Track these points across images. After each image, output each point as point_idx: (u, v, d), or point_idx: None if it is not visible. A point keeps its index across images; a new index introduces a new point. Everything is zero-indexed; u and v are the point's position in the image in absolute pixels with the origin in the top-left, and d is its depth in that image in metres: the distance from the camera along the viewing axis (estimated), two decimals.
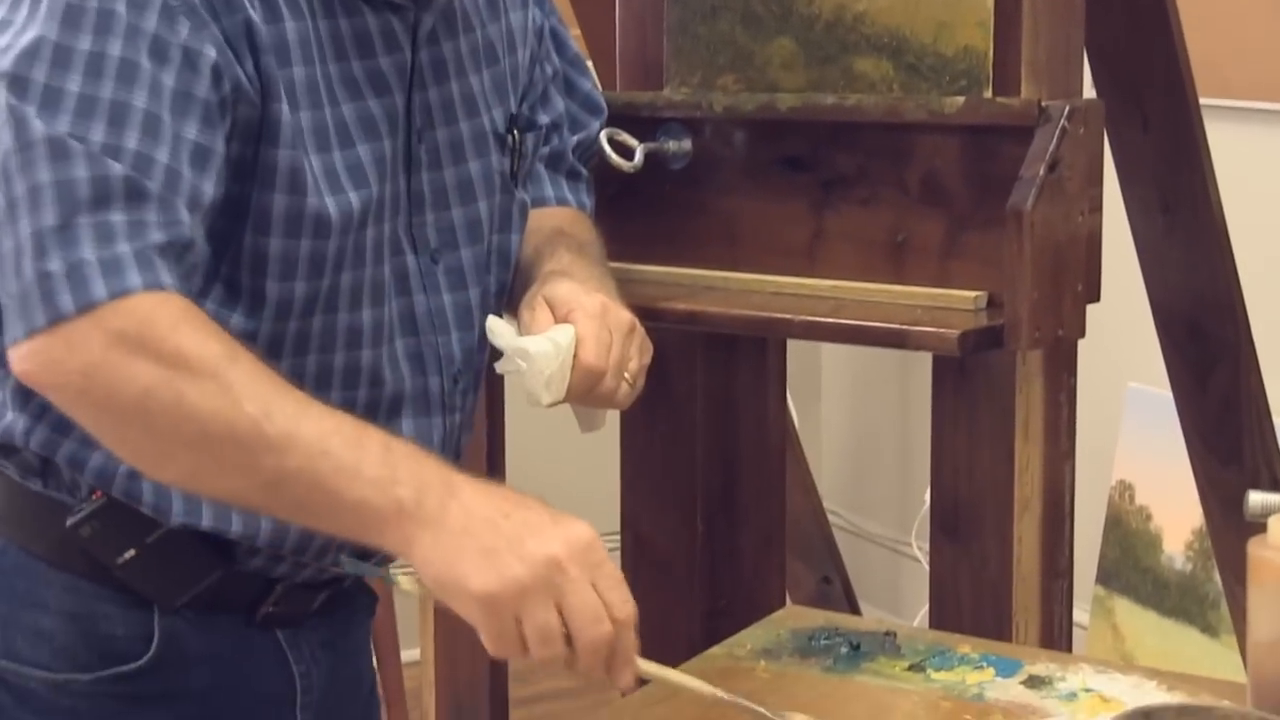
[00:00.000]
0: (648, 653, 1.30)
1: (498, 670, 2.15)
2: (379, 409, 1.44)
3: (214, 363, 1.24)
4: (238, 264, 1.36)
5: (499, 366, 1.49)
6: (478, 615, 1.24)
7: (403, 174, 1.44)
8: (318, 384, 1.41)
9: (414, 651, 2.14)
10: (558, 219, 1.63)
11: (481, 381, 1.57)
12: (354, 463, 1.24)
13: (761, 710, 1.31)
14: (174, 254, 1.27)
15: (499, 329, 1.47)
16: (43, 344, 1.23)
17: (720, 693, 1.32)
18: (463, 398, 1.51)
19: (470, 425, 1.55)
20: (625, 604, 1.26)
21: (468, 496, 1.25)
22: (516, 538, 1.23)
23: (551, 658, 1.25)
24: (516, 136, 1.54)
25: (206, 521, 1.37)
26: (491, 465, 2.09)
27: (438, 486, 1.25)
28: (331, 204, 1.36)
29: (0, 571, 1.42)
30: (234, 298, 1.37)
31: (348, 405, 1.41)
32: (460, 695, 2.15)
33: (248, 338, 1.36)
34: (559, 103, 1.69)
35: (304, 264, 1.37)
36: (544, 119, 1.66)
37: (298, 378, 1.39)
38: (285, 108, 1.34)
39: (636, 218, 1.93)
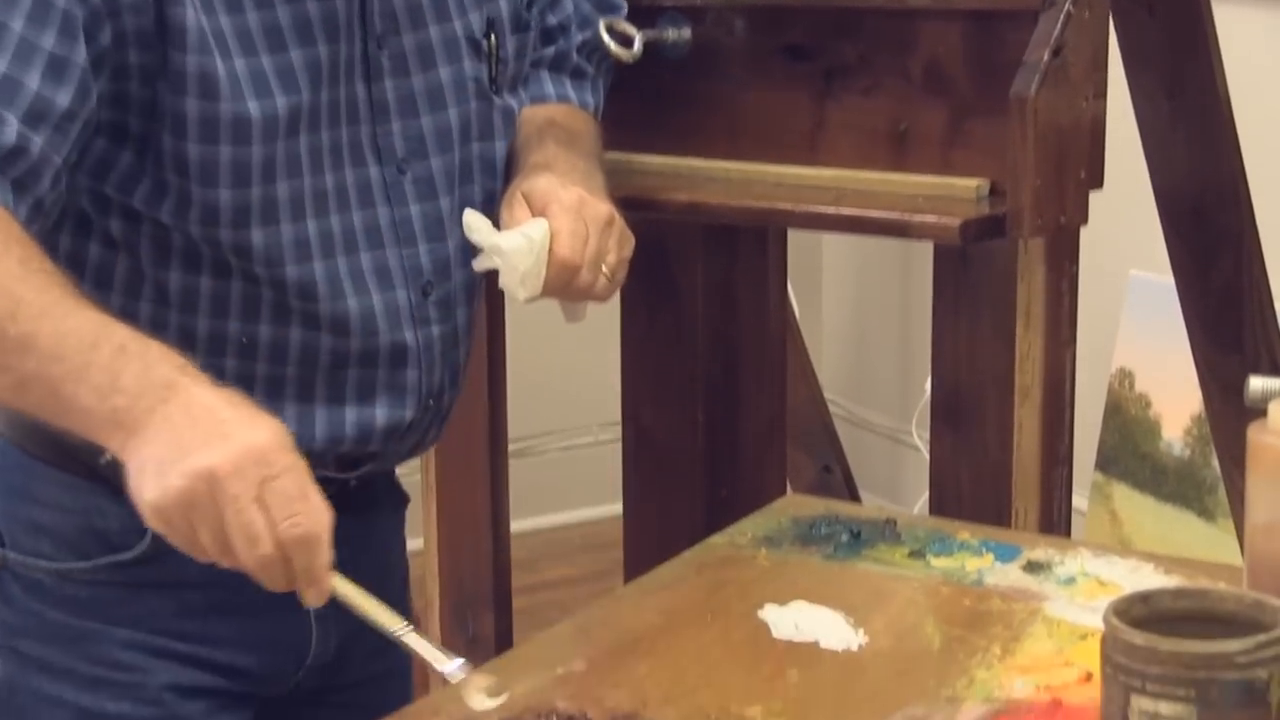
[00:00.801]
0: (652, 542, 1.30)
1: (501, 558, 2.16)
2: (346, 324, 1.42)
3: None
4: (161, 165, 1.35)
5: (476, 264, 1.47)
6: (155, 525, 1.21)
7: (361, 81, 1.42)
8: (275, 301, 1.40)
9: (417, 540, 2.16)
10: (551, 111, 1.62)
11: (476, 293, 1.55)
12: (81, 367, 1.21)
13: (437, 653, 1.25)
14: None
15: (476, 224, 1.46)
16: None
17: (400, 630, 1.26)
18: (439, 310, 1.48)
19: (465, 337, 1.54)
20: (291, 521, 1.19)
21: (177, 405, 1.20)
22: (186, 449, 1.19)
23: (237, 567, 1.21)
24: (494, 41, 1.51)
25: None
26: (492, 360, 2.09)
27: (155, 392, 1.21)
28: (255, 108, 1.34)
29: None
30: (160, 198, 1.36)
31: (310, 319, 1.41)
32: (464, 583, 2.17)
33: (182, 240, 1.36)
34: (569, 4, 1.67)
35: (226, 171, 1.35)
36: (552, 20, 1.64)
37: (251, 290, 1.39)
38: (190, 12, 1.32)
39: (636, 108, 1.92)
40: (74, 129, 1.30)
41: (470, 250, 1.48)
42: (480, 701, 1.22)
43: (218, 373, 1.28)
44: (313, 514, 1.20)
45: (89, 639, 1.42)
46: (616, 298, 2.21)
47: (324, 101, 1.39)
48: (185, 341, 1.36)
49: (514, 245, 1.44)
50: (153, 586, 1.43)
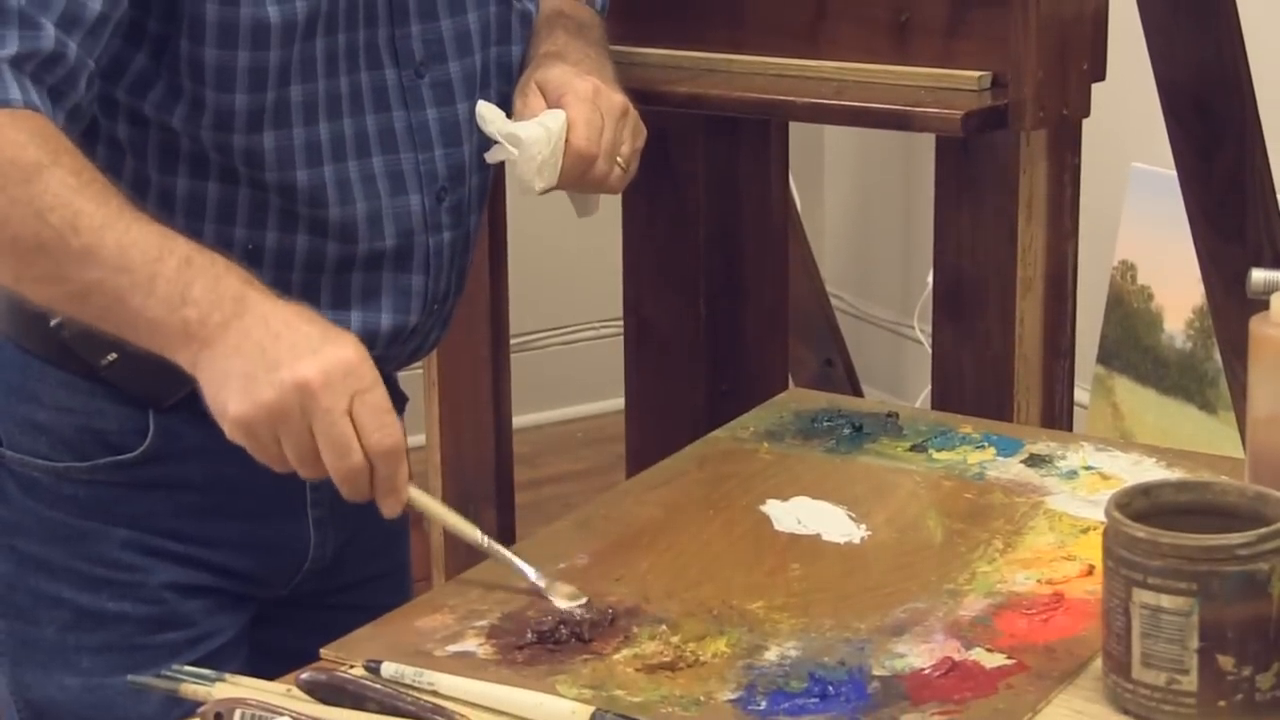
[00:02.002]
0: (653, 436, 1.30)
1: (503, 454, 2.17)
2: (354, 229, 1.42)
3: (25, 170, 1.22)
4: (176, 70, 1.34)
5: (489, 156, 1.47)
6: (238, 437, 1.23)
7: None
8: (282, 207, 1.39)
9: (419, 436, 2.16)
10: (558, 3, 1.60)
11: (486, 198, 1.54)
12: (148, 278, 1.23)
13: (522, 566, 1.28)
14: (32, 67, 1.25)
15: (489, 114, 1.45)
16: None
17: (482, 538, 1.30)
18: (451, 215, 1.47)
19: (473, 242, 1.53)
20: (382, 433, 1.23)
21: (253, 317, 1.23)
22: (275, 362, 1.21)
23: (315, 475, 1.24)
24: None
25: None
26: (494, 255, 2.09)
27: (227, 305, 1.23)
28: (274, 12, 1.33)
29: None
30: (173, 102, 1.35)
31: (317, 225, 1.40)
32: (466, 479, 2.18)
33: (190, 145, 1.35)
34: None
35: (243, 75, 1.34)
36: None
37: (258, 196, 1.38)
38: None
39: (637, 1, 1.90)
40: (105, 32, 1.29)
41: (483, 143, 1.47)
42: (563, 603, 1.26)
43: None
44: (396, 426, 1.24)
45: (88, 538, 1.43)
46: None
47: (342, 4, 1.38)
48: None
49: (532, 135, 1.43)
50: (151, 487, 1.43)
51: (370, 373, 1.23)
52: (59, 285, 1.25)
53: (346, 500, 1.26)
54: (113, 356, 1.39)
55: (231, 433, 1.24)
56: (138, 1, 1.32)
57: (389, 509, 1.27)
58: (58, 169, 1.23)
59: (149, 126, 1.37)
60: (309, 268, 1.42)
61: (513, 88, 1.50)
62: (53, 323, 1.38)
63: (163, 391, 1.40)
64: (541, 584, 1.28)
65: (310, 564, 1.49)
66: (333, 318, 1.41)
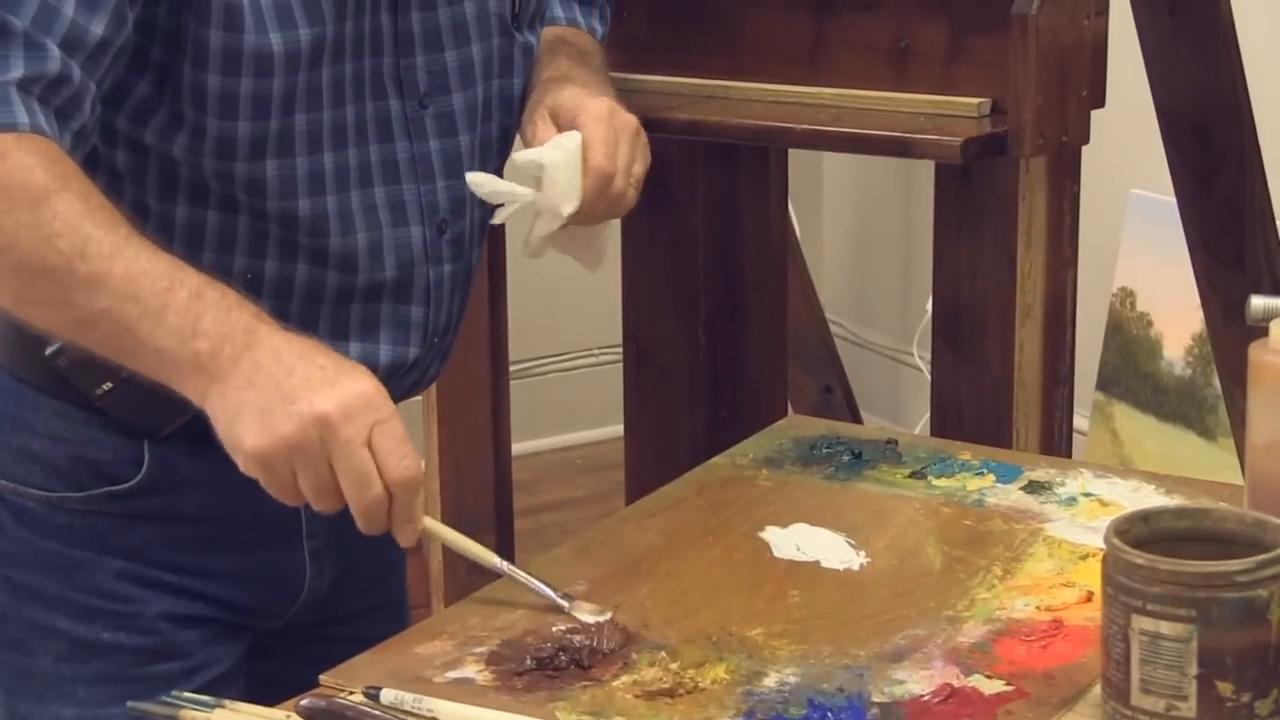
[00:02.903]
0: (653, 463, 1.30)
1: (502, 480, 2.17)
2: (355, 259, 1.41)
3: (35, 194, 1.21)
4: (179, 97, 1.34)
5: (499, 216, 1.44)
6: (254, 471, 1.22)
7: (387, 12, 1.40)
8: (282, 236, 1.39)
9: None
10: (560, 31, 1.60)
11: (485, 233, 1.53)
12: (159, 308, 1.22)
13: (541, 587, 1.29)
14: (39, 89, 1.24)
15: (481, 180, 1.42)
16: None
17: (502, 564, 1.31)
18: (453, 248, 1.47)
19: (474, 276, 1.52)
20: (402, 465, 1.22)
21: (264, 350, 1.22)
22: (292, 394, 1.21)
23: (330, 510, 1.23)
24: None
25: None
26: (493, 281, 2.09)
27: (238, 338, 1.22)
28: (277, 40, 1.33)
29: None
30: (174, 130, 1.35)
31: (318, 255, 1.40)
32: (466, 505, 2.18)
33: (190, 174, 1.35)
34: None
35: (246, 103, 1.34)
36: None
37: (258, 225, 1.38)
38: None
39: (637, 27, 1.91)
40: (108, 57, 1.29)
41: (483, 207, 1.46)
42: (588, 618, 1.27)
43: None
44: (416, 457, 1.24)
45: (83, 568, 1.42)
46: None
47: (348, 33, 1.37)
48: None
49: (554, 159, 1.42)
50: (147, 518, 1.42)
51: (388, 404, 1.23)
52: (63, 311, 1.25)
53: (361, 532, 1.25)
54: (108, 386, 1.38)
55: (247, 466, 1.23)
56: (141, 28, 1.32)
57: (406, 538, 1.27)
58: (66, 194, 1.23)
59: (149, 154, 1.37)
60: (308, 298, 1.41)
61: (514, 120, 1.50)
62: (48, 351, 1.37)
63: (158, 421, 1.39)
64: (565, 603, 1.28)
65: (306, 595, 1.48)
66: (332, 349, 1.40)
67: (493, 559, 1.31)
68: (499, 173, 1.49)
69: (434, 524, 1.30)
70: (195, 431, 1.34)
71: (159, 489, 1.41)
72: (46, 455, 1.42)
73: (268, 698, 1.20)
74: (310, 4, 1.34)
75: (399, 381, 1.48)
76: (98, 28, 1.27)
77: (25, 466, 1.42)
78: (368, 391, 1.23)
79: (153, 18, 1.32)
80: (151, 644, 1.43)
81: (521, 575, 1.30)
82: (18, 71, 1.24)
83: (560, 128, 1.45)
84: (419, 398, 2.11)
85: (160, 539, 1.42)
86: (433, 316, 1.47)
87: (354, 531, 1.25)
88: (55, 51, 1.25)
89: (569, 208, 1.43)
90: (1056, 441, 1.88)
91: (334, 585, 1.49)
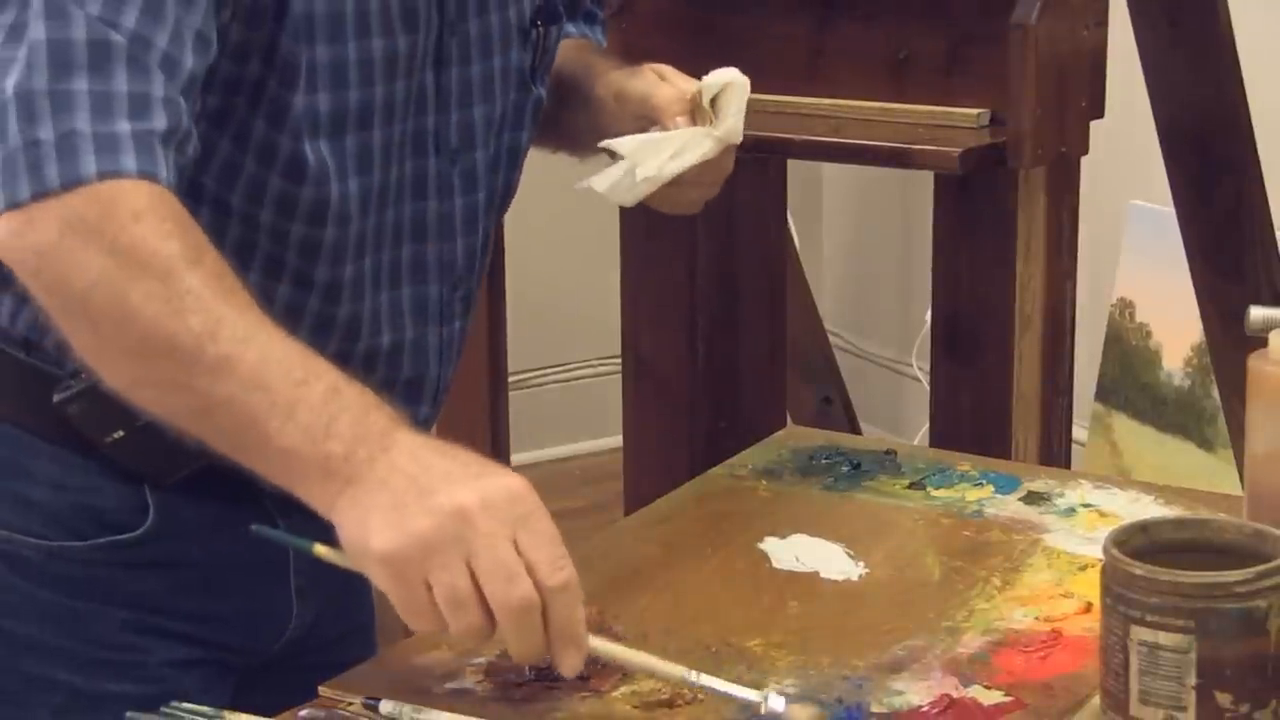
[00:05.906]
0: (652, 474, 1.29)
1: None
2: (360, 325, 1.35)
3: (168, 264, 1.12)
4: (245, 149, 1.26)
5: (637, 192, 1.42)
6: (382, 579, 1.11)
7: (431, 70, 1.34)
8: (321, 305, 1.32)
9: None
10: (575, 41, 1.58)
11: (479, 289, 1.48)
12: (290, 403, 1.11)
13: (739, 693, 1.15)
14: (175, 143, 1.17)
15: (628, 139, 1.40)
16: (9, 217, 1.13)
17: (691, 674, 1.15)
18: (462, 305, 1.42)
19: (465, 332, 1.47)
20: (553, 566, 1.10)
21: (400, 452, 1.12)
22: (429, 489, 1.10)
23: (472, 630, 1.10)
24: (541, 30, 1.44)
25: None
26: (492, 293, 2.09)
27: (374, 441, 1.12)
28: (325, 100, 1.26)
29: None
30: (232, 180, 1.28)
31: (325, 322, 1.33)
32: None
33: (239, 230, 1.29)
34: None
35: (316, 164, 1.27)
36: None
37: (299, 294, 1.31)
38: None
39: (636, 37, 1.91)
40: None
41: (487, 231, 1.43)
42: None
43: None
44: (569, 561, 1.11)
45: (84, 619, 1.35)
46: (615, 228, 2.21)
47: (400, 94, 1.32)
48: None
49: (740, 80, 1.41)
50: (151, 566, 1.36)
51: (537, 502, 1.12)
52: (182, 396, 1.14)
53: (515, 660, 1.13)
54: (120, 434, 1.30)
55: (376, 573, 1.11)
56: (227, 88, 1.25)
57: (568, 665, 1.12)
58: (200, 268, 1.12)
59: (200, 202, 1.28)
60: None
61: (517, 174, 1.46)
62: (56, 398, 1.30)
63: (166, 470, 1.33)
64: (779, 708, 1.13)
65: (292, 631, 1.45)
66: None
67: (680, 671, 1.16)
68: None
69: (602, 643, 1.14)
70: (201, 479, 1.31)
71: (164, 536, 1.36)
72: (46, 503, 1.35)
73: None
74: (364, 64, 1.28)
75: None
76: (200, 69, 1.19)
77: (22, 514, 1.35)
78: (514, 486, 1.12)
79: (228, 68, 1.25)
80: (155, 692, 1.35)
81: (718, 684, 1.15)
82: (161, 123, 1.15)
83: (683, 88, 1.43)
84: None
85: (164, 586, 1.37)
86: (443, 374, 1.43)
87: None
88: (184, 104, 1.17)
89: (738, 137, 1.41)
90: (1055, 452, 1.89)
91: (314, 619, 1.47)
